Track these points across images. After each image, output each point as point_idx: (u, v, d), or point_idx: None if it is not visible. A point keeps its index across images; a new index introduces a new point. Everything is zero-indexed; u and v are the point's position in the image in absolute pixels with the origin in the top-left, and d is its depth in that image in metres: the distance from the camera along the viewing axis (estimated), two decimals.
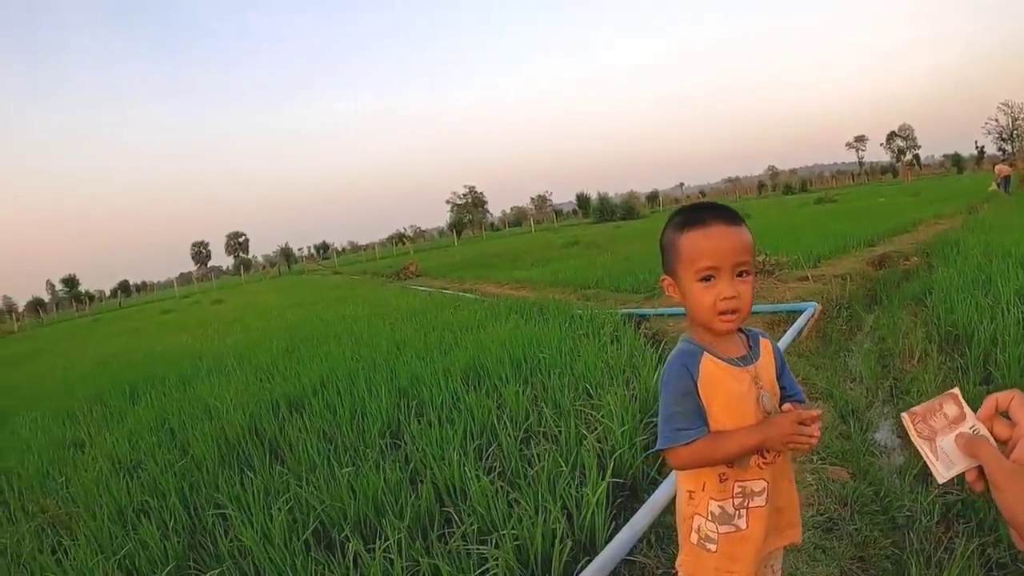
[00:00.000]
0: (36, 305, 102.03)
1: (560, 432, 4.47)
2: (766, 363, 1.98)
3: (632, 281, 12.71)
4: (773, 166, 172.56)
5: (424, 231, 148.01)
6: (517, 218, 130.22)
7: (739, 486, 1.90)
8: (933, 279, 8.65)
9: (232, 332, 15.70)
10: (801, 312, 7.89)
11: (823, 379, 5.81)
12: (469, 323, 9.60)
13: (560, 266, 19.09)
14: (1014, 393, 1.34)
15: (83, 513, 4.70)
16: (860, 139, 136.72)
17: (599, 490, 3.54)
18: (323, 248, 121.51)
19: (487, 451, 4.48)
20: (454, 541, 3.40)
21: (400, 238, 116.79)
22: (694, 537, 1.97)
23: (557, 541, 3.23)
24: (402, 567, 3.24)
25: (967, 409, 1.41)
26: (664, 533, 3.54)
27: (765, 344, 2.02)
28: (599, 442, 4.27)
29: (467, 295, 15.80)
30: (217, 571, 3.60)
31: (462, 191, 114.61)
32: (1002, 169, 33.32)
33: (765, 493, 1.91)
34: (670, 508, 3.63)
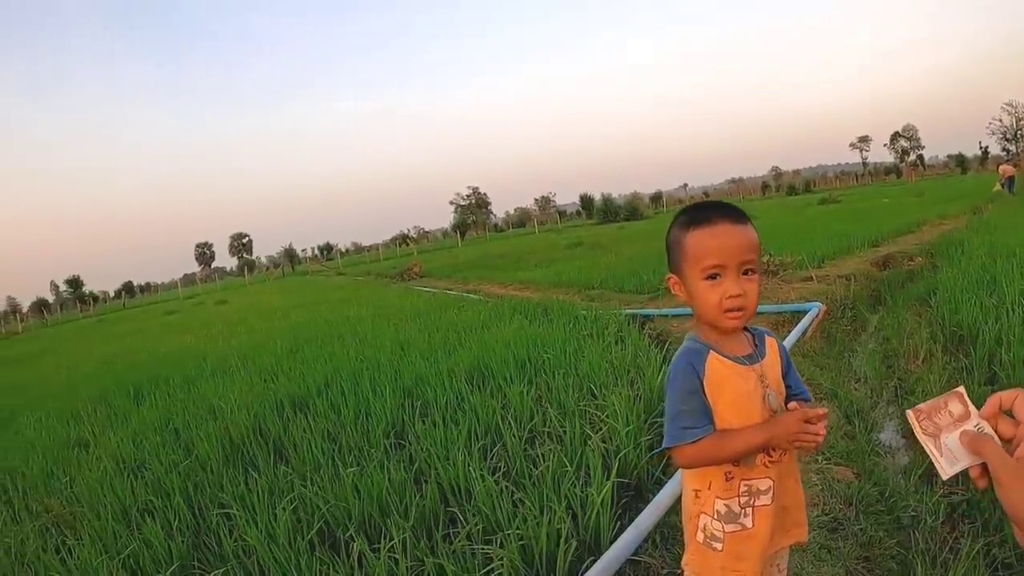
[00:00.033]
0: (40, 306, 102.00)
1: (565, 432, 4.47)
2: (772, 361, 1.97)
3: (636, 282, 12.69)
4: (777, 167, 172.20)
5: (427, 232, 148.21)
6: (521, 219, 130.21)
7: (745, 485, 1.90)
8: (938, 279, 8.63)
9: (236, 333, 15.71)
10: (805, 312, 7.87)
11: (828, 379, 5.80)
12: (473, 324, 9.59)
13: (564, 267, 19.10)
14: (1018, 392, 1.34)
15: (87, 513, 4.71)
16: (864, 140, 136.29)
17: (604, 490, 3.53)
18: (327, 249, 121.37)
19: (492, 451, 4.48)
20: (459, 541, 3.40)
21: (404, 239, 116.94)
22: (700, 536, 1.97)
23: (562, 541, 3.23)
24: (407, 567, 3.23)
25: (972, 407, 1.43)
26: (669, 533, 3.54)
27: (771, 343, 2.01)
28: (604, 442, 4.27)
29: (471, 296, 15.80)
30: (221, 571, 3.60)
31: (466, 192, 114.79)
32: (1006, 169, 33.25)
33: (771, 492, 1.90)
34: (675, 508, 3.64)
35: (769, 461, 1.90)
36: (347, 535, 3.69)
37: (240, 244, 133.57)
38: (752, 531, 1.90)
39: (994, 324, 5.83)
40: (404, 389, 6.17)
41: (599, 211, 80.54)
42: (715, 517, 1.92)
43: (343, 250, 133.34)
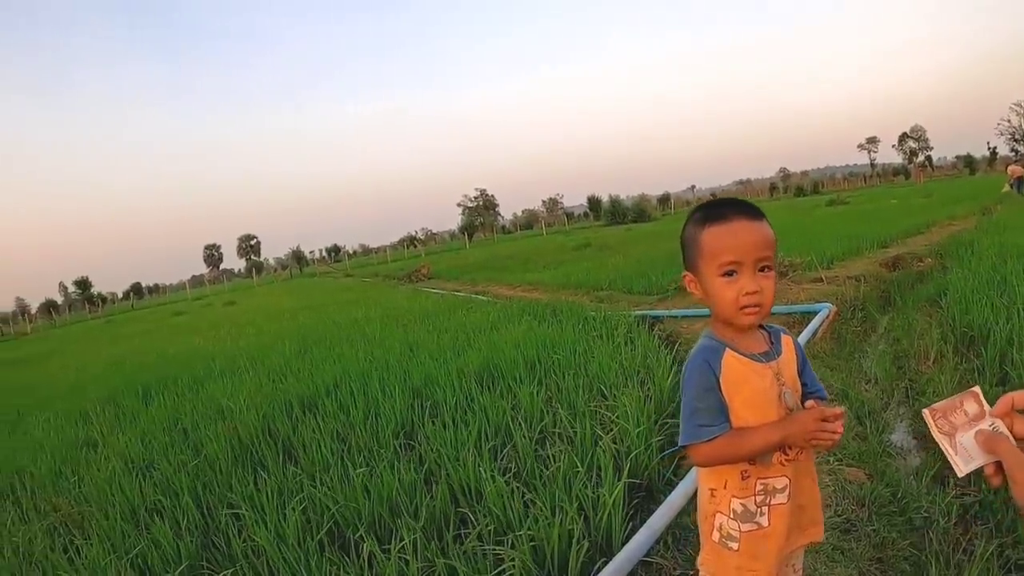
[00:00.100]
0: (49, 307, 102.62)
1: (576, 433, 4.45)
2: (788, 359, 1.96)
3: (645, 283, 12.66)
4: (784, 168, 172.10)
5: (435, 234, 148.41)
6: (528, 221, 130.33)
7: (761, 483, 1.88)
8: (948, 280, 8.58)
9: (244, 334, 15.73)
10: (816, 313, 7.84)
11: (838, 380, 5.77)
12: (482, 325, 9.58)
13: (572, 268, 19.08)
14: None
15: (96, 512, 4.70)
16: (872, 140, 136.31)
17: (616, 491, 3.51)
18: (334, 251, 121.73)
19: (502, 452, 4.47)
20: (470, 542, 3.39)
21: (411, 241, 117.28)
22: (716, 535, 1.96)
23: (574, 542, 3.21)
24: (417, 568, 3.22)
25: (987, 406, 1.46)
26: (681, 534, 3.53)
27: (786, 340, 2.00)
28: (615, 443, 4.25)
29: (479, 297, 15.78)
30: (231, 571, 3.59)
31: (473, 194, 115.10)
32: (1015, 170, 33.12)
33: (787, 490, 1.89)
34: (687, 509, 3.63)
35: (785, 459, 1.88)
36: (357, 536, 3.67)
37: (248, 246, 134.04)
38: (768, 530, 1.89)
39: (1005, 324, 5.78)
40: (413, 390, 6.17)
41: (607, 213, 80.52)
42: (731, 516, 1.91)
43: (351, 252, 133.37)
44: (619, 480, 3.64)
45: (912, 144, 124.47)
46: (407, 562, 3.25)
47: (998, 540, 3.11)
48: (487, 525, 3.50)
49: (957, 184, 57.03)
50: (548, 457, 4.23)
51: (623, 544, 3.35)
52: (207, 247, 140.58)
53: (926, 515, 3.48)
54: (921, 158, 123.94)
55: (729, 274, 1.81)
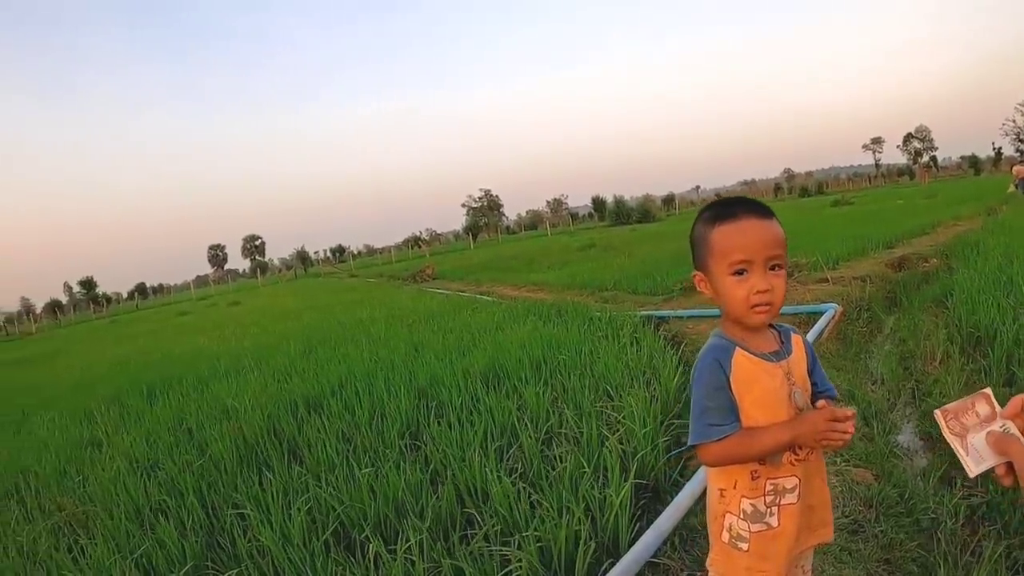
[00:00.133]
0: (54, 307, 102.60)
1: (582, 433, 4.45)
2: (798, 358, 1.96)
3: (650, 283, 12.65)
4: (789, 168, 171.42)
5: (440, 234, 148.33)
6: (533, 221, 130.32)
7: (771, 483, 1.88)
8: (954, 281, 8.56)
9: (249, 334, 15.75)
10: (821, 314, 7.83)
11: (845, 381, 5.76)
12: (487, 325, 9.58)
13: (577, 269, 19.09)
14: None
15: (100, 512, 4.71)
16: (876, 141, 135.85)
17: (623, 491, 3.50)
18: (339, 251, 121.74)
19: (508, 452, 4.46)
20: (476, 542, 3.38)
21: (416, 241, 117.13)
22: (725, 536, 1.95)
23: (582, 543, 3.19)
24: (424, 569, 3.21)
25: (998, 408, 1.47)
26: (688, 535, 3.53)
27: (796, 340, 2.00)
28: (621, 443, 4.23)
29: (484, 298, 15.79)
30: (235, 571, 3.59)
31: (477, 194, 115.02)
32: (1020, 170, 32.97)
33: (797, 490, 1.88)
34: (694, 510, 3.63)
35: (796, 459, 1.88)
36: (363, 536, 3.67)
37: (252, 246, 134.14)
38: (778, 530, 1.88)
39: (1012, 325, 5.77)
40: (418, 390, 6.16)
41: (611, 213, 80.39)
42: (741, 516, 1.90)
43: (355, 252, 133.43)
44: (626, 481, 3.63)
45: (917, 144, 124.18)
46: (413, 563, 3.24)
47: (1006, 542, 3.10)
48: (493, 526, 3.50)
49: (962, 184, 56.93)
50: (554, 457, 4.23)
51: (630, 545, 3.34)
52: (211, 247, 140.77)
53: (933, 516, 3.47)
54: (926, 158, 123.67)
55: (739, 273, 1.81)
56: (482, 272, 25.69)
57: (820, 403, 1.85)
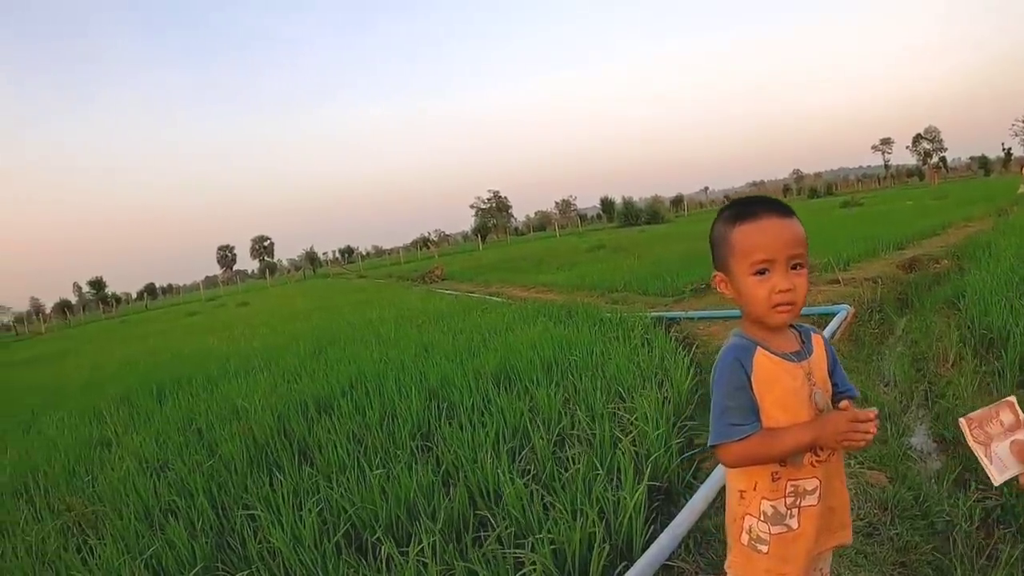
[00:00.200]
0: (63, 307, 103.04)
1: (594, 435, 4.43)
2: (819, 359, 1.94)
3: (660, 284, 12.64)
4: (798, 169, 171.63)
5: (448, 235, 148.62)
6: (541, 222, 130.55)
7: (792, 485, 1.86)
8: (965, 282, 8.51)
9: (258, 334, 15.77)
10: (834, 315, 7.79)
11: (857, 382, 5.65)
12: (497, 326, 9.57)
13: (586, 270, 19.07)
14: None
15: (109, 512, 4.71)
16: (886, 142, 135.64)
17: (637, 493, 3.48)
18: (348, 252, 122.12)
19: (520, 454, 4.44)
20: (489, 544, 3.35)
21: (424, 242, 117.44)
22: (745, 538, 1.93)
23: (596, 545, 3.17)
24: (436, 571, 3.19)
25: (1023, 416, 1.44)
26: (702, 538, 3.50)
27: (817, 340, 1.98)
28: (634, 445, 4.21)
29: (494, 298, 15.77)
30: (246, 573, 3.57)
31: (486, 196, 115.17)
32: None
33: (818, 492, 1.87)
34: (708, 512, 3.60)
35: (816, 461, 1.86)
36: (374, 538, 3.65)
37: (261, 247, 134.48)
38: (798, 532, 1.87)
39: None
40: (429, 391, 6.16)
41: (620, 214, 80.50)
42: (761, 518, 1.88)
43: (364, 253, 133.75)
44: (640, 483, 3.61)
45: (926, 145, 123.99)
46: (425, 565, 3.22)
47: (1023, 545, 3.09)
48: (506, 528, 3.48)
49: (971, 185, 56.73)
50: (567, 459, 4.21)
51: (644, 548, 3.32)
52: (220, 248, 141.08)
53: (948, 519, 3.46)
54: (935, 159, 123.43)
55: (761, 272, 1.80)
56: (491, 273, 25.70)
57: (843, 403, 1.82)
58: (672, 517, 3.56)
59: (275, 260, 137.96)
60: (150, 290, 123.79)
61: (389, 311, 15.29)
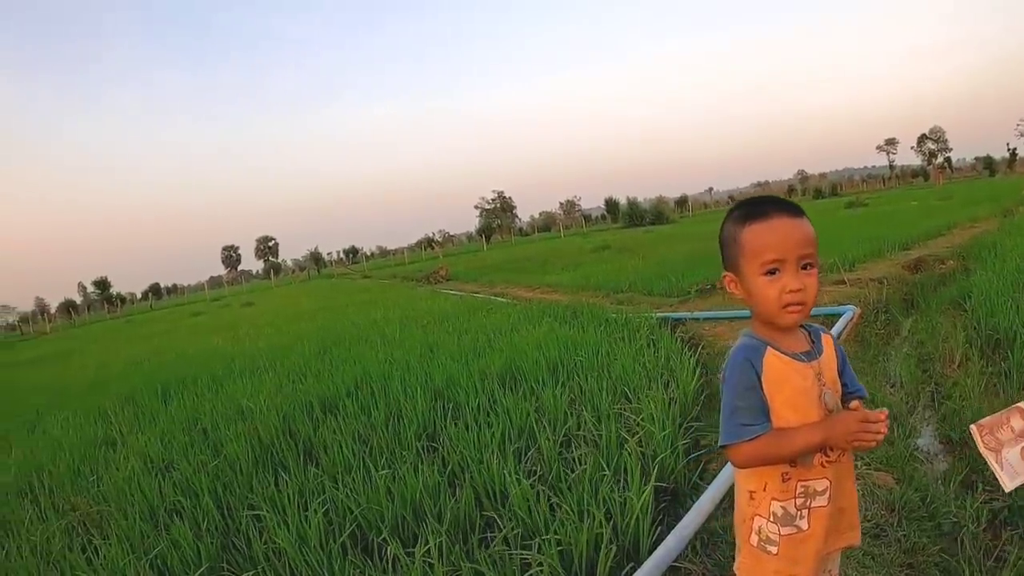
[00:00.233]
0: (68, 307, 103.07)
1: (601, 436, 4.41)
2: (828, 359, 1.94)
3: (665, 285, 12.62)
4: (802, 170, 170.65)
5: (453, 236, 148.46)
6: (546, 223, 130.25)
7: (802, 486, 1.85)
8: (971, 282, 8.50)
9: (263, 334, 15.79)
10: (839, 316, 7.78)
11: (863, 383, 5.69)
12: (503, 326, 9.57)
13: (591, 270, 19.07)
14: None
15: (114, 512, 4.71)
16: (891, 142, 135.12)
17: (644, 494, 3.47)
18: (352, 252, 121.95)
19: (526, 454, 4.43)
20: (495, 545, 3.35)
21: (429, 243, 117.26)
22: (754, 539, 1.92)
23: (603, 546, 3.16)
24: (443, 572, 3.19)
25: None
26: (708, 539, 3.49)
27: (827, 340, 1.98)
28: (640, 446, 4.20)
29: (499, 299, 15.77)
30: (252, 573, 3.57)
31: (490, 196, 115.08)
32: None
33: (828, 493, 1.86)
34: (715, 514, 3.59)
35: (827, 461, 1.85)
36: (380, 538, 3.65)
37: (266, 247, 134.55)
38: (808, 533, 1.86)
39: None
40: (435, 391, 6.16)
41: (624, 215, 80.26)
42: (770, 519, 1.88)
43: (368, 253, 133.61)
44: (647, 484, 3.60)
45: (931, 146, 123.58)
46: (432, 566, 3.22)
47: None
48: (513, 529, 3.47)
49: (976, 186, 56.61)
50: (573, 460, 4.21)
51: (651, 549, 3.31)
52: (225, 248, 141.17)
53: (955, 520, 3.44)
54: (940, 160, 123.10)
55: (771, 272, 1.79)
56: (495, 273, 25.72)
57: (854, 403, 1.84)
58: (679, 518, 3.56)
59: (279, 260, 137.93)
60: (155, 290, 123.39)
61: (394, 311, 15.30)
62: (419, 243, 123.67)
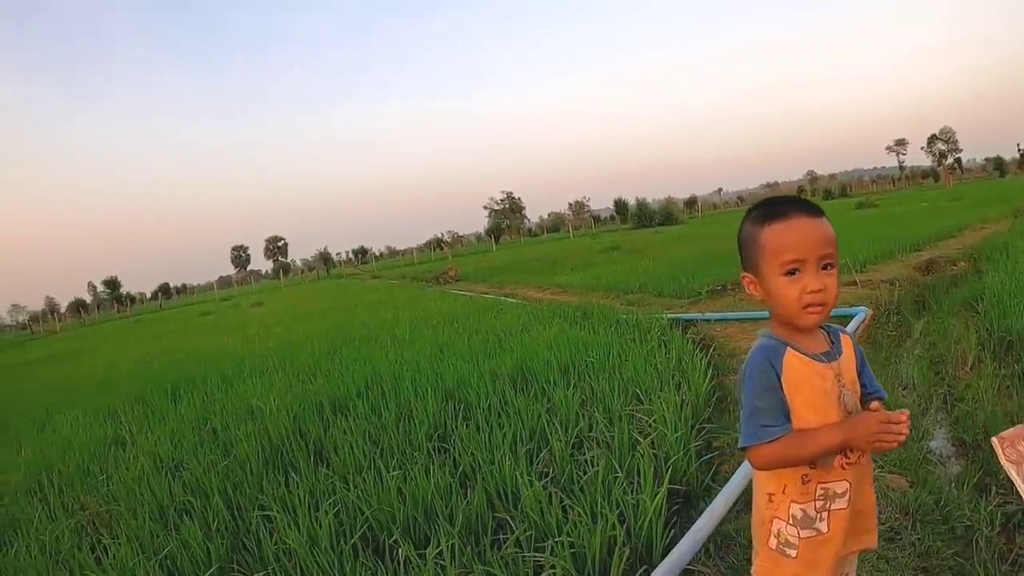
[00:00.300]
0: (78, 306, 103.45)
1: (613, 437, 4.39)
2: (848, 359, 1.92)
3: (675, 286, 12.58)
4: (812, 171, 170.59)
5: (462, 236, 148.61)
6: (555, 224, 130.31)
7: (822, 488, 1.84)
8: (984, 284, 8.45)
9: (273, 334, 15.78)
10: (851, 317, 7.73)
11: None
12: (513, 327, 9.55)
13: (601, 271, 19.02)
14: None
15: (124, 512, 4.71)
16: (900, 143, 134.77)
17: (657, 497, 3.45)
18: (361, 252, 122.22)
19: (538, 456, 4.41)
20: (508, 547, 3.33)
21: (438, 243, 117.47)
22: (772, 542, 1.91)
23: (617, 549, 3.15)
24: (455, 574, 3.17)
25: None
26: (722, 542, 3.47)
27: (846, 340, 1.96)
28: (652, 448, 4.18)
29: (509, 300, 15.73)
30: (262, 574, 3.57)
31: (500, 197, 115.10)
32: None
33: (847, 495, 1.85)
34: (728, 517, 3.57)
35: (847, 463, 1.84)
36: (392, 540, 3.63)
37: (275, 247, 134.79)
38: (827, 536, 1.85)
39: None
40: (446, 391, 6.14)
41: (634, 216, 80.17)
42: (790, 522, 1.86)
43: (377, 253, 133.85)
44: (660, 486, 3.58)
45: (941, 146, 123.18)
46: (444, 567, 3.21)
47: None
48: (525, 531, 3.45)
49: (987, 187, 56.48)
50: (586, 462, 4.19)
51: (664, 552, 3.30)
52: (235, 248, 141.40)
53: (969, 524, 3.42)
54: (950, 160, 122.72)
55: (792, 273, 1.78)
56: (505, 274, 25.70)
57: (873, 404, 1.80)
58: (692, 521, 3.54)
59: (289, 260, 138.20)
60: (164, 290, 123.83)
61: (404, 312, 15.29)
62: (428, 243, 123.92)
